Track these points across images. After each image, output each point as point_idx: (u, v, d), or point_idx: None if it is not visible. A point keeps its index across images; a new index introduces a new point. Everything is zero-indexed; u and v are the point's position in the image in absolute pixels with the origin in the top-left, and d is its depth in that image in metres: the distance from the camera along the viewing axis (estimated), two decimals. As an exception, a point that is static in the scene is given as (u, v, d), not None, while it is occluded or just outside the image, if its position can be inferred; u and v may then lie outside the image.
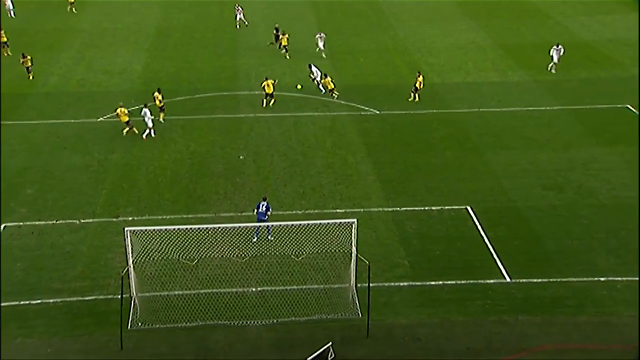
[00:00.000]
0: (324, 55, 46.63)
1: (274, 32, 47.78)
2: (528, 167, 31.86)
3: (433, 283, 23.87)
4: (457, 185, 30.45)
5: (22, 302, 22.37)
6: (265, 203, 25.57)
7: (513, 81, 42.92)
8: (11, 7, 51.71)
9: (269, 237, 25.14)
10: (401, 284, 23.81)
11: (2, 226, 26.42)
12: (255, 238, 25.16)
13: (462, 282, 23.93)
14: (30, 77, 41.01)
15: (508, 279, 24.07)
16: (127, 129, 34.18)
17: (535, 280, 23.95)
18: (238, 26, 51.90)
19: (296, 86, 39.34)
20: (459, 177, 31.09)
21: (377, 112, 38.48)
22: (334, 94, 39.36)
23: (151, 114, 34.39)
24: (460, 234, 26.74)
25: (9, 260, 24.47)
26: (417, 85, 39.21)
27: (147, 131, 34.23)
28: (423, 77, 39.64)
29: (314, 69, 40.96)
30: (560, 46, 44.16)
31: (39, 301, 22.46)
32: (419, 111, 38.61)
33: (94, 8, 56.18)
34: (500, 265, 24.79)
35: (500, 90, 41.49)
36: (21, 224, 26.74)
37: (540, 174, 31.21)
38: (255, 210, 25.62)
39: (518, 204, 28.89)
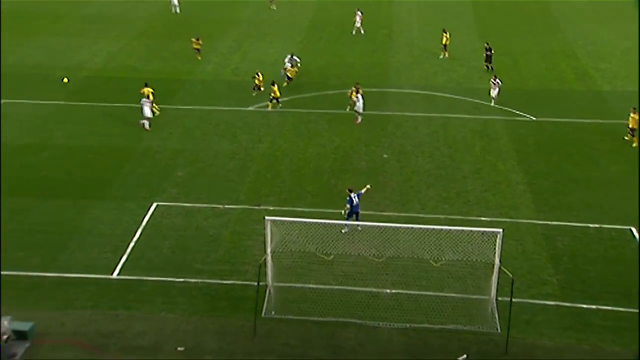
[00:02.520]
0: (357, 32, 49.39)
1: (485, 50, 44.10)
2: None
3: (585, 306, 22.61)
4: (621, 203, 28.58)
5: (167, 279, 24.00)
6: (355, 195, 26.02)
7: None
8: (176, 2, 55.11)
9: (358, 227, 25.46)
10: (547, 302, 22.78)
11: (155, 205, 28.48)
12: (347, 229, 25.56)
13: (621, 309, 22.45)
14: (199, 58, 44.67)
15: (676, 312, 22.20)
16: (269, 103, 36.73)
17: None
18: (354, 32, 50.35)
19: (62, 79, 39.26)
20: (624, 195, 29.16)
21: (534, 118, 37.04)
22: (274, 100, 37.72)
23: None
24: (621, 257, 25.11)
25: (159, 238, 26.36)
26: (632, 125, 33.34)
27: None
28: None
29: (289, 60, 41.46)
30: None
31: (182, 280, 23.97)
32: (582, 120, 36.68)
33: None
34: (667, 295, 22.96)
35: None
36: (171, 204, 28.63)
37: None
38: (349, 206, 25.98)
39: (692, 228, 26.62)
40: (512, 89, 41.00)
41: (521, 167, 31.82)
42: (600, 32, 50.59)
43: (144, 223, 27.18)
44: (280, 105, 37.51)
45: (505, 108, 38.17)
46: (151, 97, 36.31)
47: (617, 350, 20.67)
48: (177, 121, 36.67)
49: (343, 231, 25.27)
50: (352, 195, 26.06)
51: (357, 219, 25.92)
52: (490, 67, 43.31)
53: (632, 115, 33.42)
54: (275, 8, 54.65)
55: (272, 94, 37.52)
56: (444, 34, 45.95)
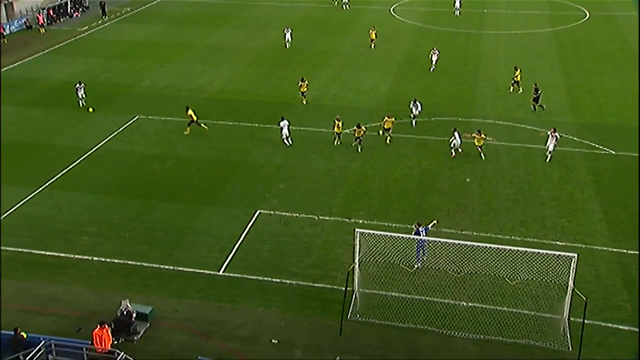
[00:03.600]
0: (432, 69, 48.21)
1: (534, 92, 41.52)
2: None
3: (656, 333, 21.34)
4: (697, 237, 26.81)
5: (265, 279, 24.61)
6: (423, 229, 24.36)
7: None
8: (289, 38, 56.02)
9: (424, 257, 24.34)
10: (620, 327, 21.71)
11: (258, 212, 29.26)
12: (419, 264, 24.30)
13: (692, 339, 21.03)
14: (304, 102, 42.27)
15: None
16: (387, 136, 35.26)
17: None
18: (433, 69, 48.84)
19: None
20: (700, 229, 27.35)
21: (613, 152, 35.37)
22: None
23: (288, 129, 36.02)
24: (694, 289, 23.52)
25: (259, 242, 27.05)
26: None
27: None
28: None
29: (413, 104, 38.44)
30: None
31: (278, 280, 24.50)
32: (661, 155, 34.72)
33: (354, 33, 59.46)
34: None
35: None
36: (272, 212, 29.33)
37: None
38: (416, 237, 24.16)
39: None
40: (593, 124, 39.41)
41: (598, 197, 30.48)
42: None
43: (247, 228, 27.96)
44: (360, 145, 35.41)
45: (585, 141, 36.68)
46: (194, 116, 37.83)
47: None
48: (281, 140, 37.54)
49: (416, 266, 24.38)
50: (420, 229, 24.51)
51: (424, 253, 24.61)
52: (536, 107, 40.71)
53: None
54: (373, 47, 54.88)
55: (357, 134, 35.35)
56: (515, 71, 44.61)
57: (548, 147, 33.96)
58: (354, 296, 22.74)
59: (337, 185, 31.87)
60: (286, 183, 32.18)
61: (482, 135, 34.38)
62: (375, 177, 32.92)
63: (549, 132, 34.57)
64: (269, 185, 31.91)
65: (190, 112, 38.03)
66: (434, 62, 49.23)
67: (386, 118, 36.50)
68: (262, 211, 29.38)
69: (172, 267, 25.31)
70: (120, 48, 55.78)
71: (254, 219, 28.65)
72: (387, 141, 35.51)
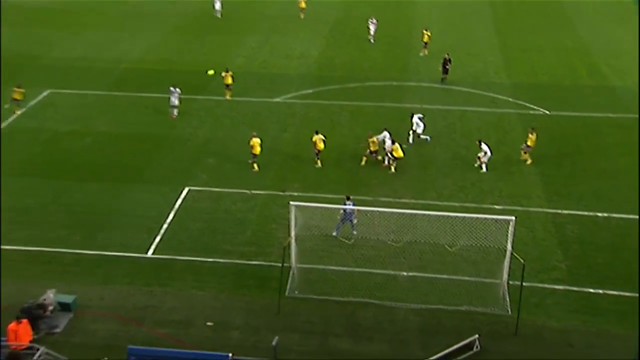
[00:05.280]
0: (372, 41, 46.51)
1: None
2: None
3: (592, 290, 22.45)
4: (629, 193, 28.22)
5: (197, 259, 24.23)
6: (351, 203, 24.50)
7: None
8: (219, 7, 53.97)
9: (354, 232, 24.61)
10: (556, 287, 22.65)
11: (186, 189, 28.69)
12: (335, 232, 24.60)
13: (627, 294, 22.26)
14: (228, 97, 37.99)
15: (682, 299, 21.89)
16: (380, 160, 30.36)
17: None
18: (372, 40, 47.63)
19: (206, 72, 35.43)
20: (632, 186, 28.76)
21: (547, 112, 36.57)
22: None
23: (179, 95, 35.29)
24: (628, 244, 24.83)
25: (190, 220, 26.57)
26: (529, 143, 30.73)
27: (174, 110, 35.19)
28: (536, 135, 30.86)
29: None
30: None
31: (211, 260, 24.17)
32: (594, 114, 36.16)
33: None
34: (671, 282, 22.64)
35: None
36: (202, 188, 28.83)
37: None
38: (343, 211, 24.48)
39: (697, 220, 26.19)
40: (527, 83, 40.54)
41: (533, 157, 31.44)
42: (612, 29, 49.67)
43: (176, 206, 27.42)
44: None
45: (520, 102, 37.73)
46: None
47: (622, 333, 20.49)
48: (208, 111, 36.81)
49: (333, 234, 24.60)
50: (348, 202, 24.55)
51: (352, 227, 24.76)
52: (445, 80, 39.83)
53: (530, 135, 30.93)
54: (302, 17, 53.64)
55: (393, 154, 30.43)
56: (425, 32, 44.97)
57: (482, 161, 30.42)
58: (291, 272, 22.74)
59: (269, 156, 31.53)
60: (215, 157, 31.68)
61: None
62: (309, 146, 32.78)
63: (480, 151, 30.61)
64: (197, 160, 31.33)
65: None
66: (372, 33, 47.88)
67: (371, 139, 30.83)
68: (191, 188, 28.84)
69: (95, 252, 24.54)
70: (24, 14, 52.87)
71: (182, 196, 28.11)
72: (393, 169, 30.33)
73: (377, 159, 30.87)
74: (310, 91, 39.14)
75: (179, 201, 27.77)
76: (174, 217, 26.64)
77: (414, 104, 37.31)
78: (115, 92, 39.13)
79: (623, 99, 38.00)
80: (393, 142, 30.35)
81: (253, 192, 28.58)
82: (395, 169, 30.21)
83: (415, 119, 33.05)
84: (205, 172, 30.29)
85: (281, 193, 28.39)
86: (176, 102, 35.59)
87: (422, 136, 32.84)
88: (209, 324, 21.00)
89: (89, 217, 26.70)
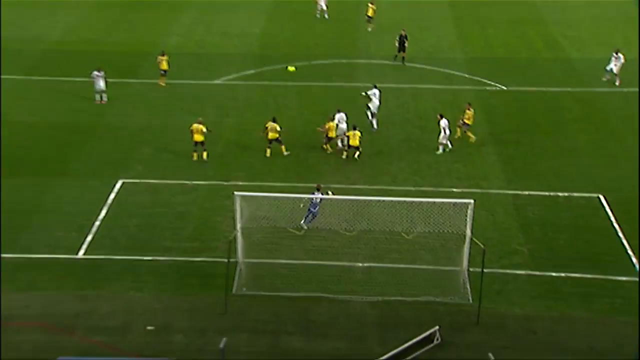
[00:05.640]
0: (326, 17, 46.22)
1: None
2: (675, 156, 29.90)
3: (554, 274, 23.10)
4: (589, 171, 29.14)
5: (135, 257, 23.80)
6: (319, 194, 24.46)
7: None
8: None
9: (305, 225, 24.60)
10: (518, 272, 23.22)
11: (120, 182, 28.14)
12: (305, 226, 24.64)
13: (589, 276, 23.00)
14: (163, 83, 37.08)
15: (643, 278, 22.79)
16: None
17: (675, 281, 22.52)
18: (318, 15, 47.34)
19: (286, 67, 31.65)
20: (593, 163, 29.74)
21: (504, 87, 37.33)
22: None
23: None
24: (590, 225, 25.67)
25: (125, 216, 26.09)
26: (466, 120, 31.20)
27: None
28: (473, 111, 31.51)
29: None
30: (619, 54, 36.77)
31: (150, 258, 23.80)
32: (552, 89, 37.10)
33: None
34: (635, 261, 23.56)
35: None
36: (137, 181, 28.36)
37: (689, 164, 29.20)
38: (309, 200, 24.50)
39: (659, 196, 27.28)
40: (482, 58, 41.27)
41: (492, 137, 32.12)
42: (569, -1, 51.08)
43: (109, 201, 26.89)
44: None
45: (476, 78, 38.36)
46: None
47: (585, 317, 21.20)
48: (142, 96, 36.15)
49: (305, 228, 24.63)
50: (317, 193, 24.44)
51: (306, 220, 24.66)
52: (401, 57, 39.59)
53: (467, 110, 31.37)
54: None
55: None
56: (370, 5, 45.00)
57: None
58: (238, 268, 22.63)
59: (211, 144, 31.01)
60: (152, 146, 31.16)
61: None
62: (254, 131, 32.59)
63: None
64: (132, 150, 30.76)
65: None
66: (324, 7, 46.99)
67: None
68: (125, 180, 28.30)
69: (18, 255, 23.80)
70: None
71: (116, 190, 27.56)
72: (355, 156, 30.13)
73: (327, 146, 30.52)
74: (253, 72, 38.87)
75: (112, 195, 27.24)
76: (107, 213, 26.12)
77: (365, 83, 37.41)
78: (32, 77, 37.90)
79: (581, 71, 39.10)
80: (355, 128, 30.05)
81: (194, 182, 28.25)
82: (348, 156, 30.08)
83: (372, 92, 32.63)
84: (140, 162, 29.79)
85: (225, 183, 28.15)
86: (103, 86, 34.72)
87: (372, 121, 32.33)
88: (149, 328, 20.69)
89: (9, 216, 25.75)
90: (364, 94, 33.04)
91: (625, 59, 37.21)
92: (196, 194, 27.52)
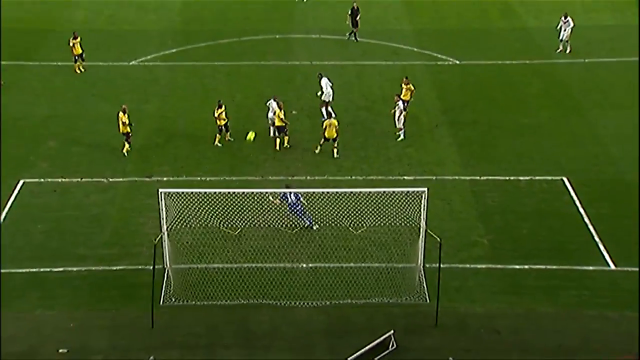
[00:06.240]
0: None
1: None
2: (642, 132, 31.05)
3: (517, 267, 23.70)
4: (552, 151, 29.96)
5: (42, 270, 23.33)
6: (292, 191, 24.60)
7: (633, 24, 41.36)
8: None
9: (314, 226, 24.88)
10: (478, 266, 23.73)
11: (21, 182, 27.53)
12: (312, 224, 24.83)
13: (554, 267, 23.65)
14: (78, 70, 36.60)
15: (612, 266, 23.61)
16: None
17: (645, 269, 23.46)
18: None
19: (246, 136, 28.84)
20: (555, 142, 30.59)
21: (457, 62, 37.99)
22: None
23: None
24: (554, 210, 26.38)
25: (28, 221, 25.54)
26: (403, 96, 31.20)
27: None
28: (413, 86, 31.92)
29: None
30: (568, 18, 37.88)
31: (61, 269, 23.39)
32: (508, 61, 37.98)
33: None
34: (603, 249, 24.36)
35: (615, 35, 40.39)
36: (42, 180, 27.81)
37: (657, 141, 30.38)
38: (284, 202, 24.49)
39: (627, 176, 28.24)
40: (432, 29, 41.87)
41: (446, 117, 32.66)
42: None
43: (9, 205, 26.35)
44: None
45: (425, 52, 38.90)
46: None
47: (551, 312, 21.82)
48: (45, 81, 35.51)
49: (315, 227, 24.75)
50: (289, 192, 24.56)
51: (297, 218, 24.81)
52: (351, 34, 39.94)
53: (404, 86, 31.66)
54: None
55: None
56: None
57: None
58: (165, 276, 22.48)
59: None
60: (58, 139, 30.68)
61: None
62: (179, 119, 32.38)
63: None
64: (35, 145, 30.22)
65: None
66: None
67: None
68: (27, 180, 27.77)
69: None
70: None
71: (16, 192, 27.05)
72: (335, 154, 29.75)
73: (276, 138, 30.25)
74: (175, 50, 38.47)
75: (12, 198, 26.72)
76: (6, 219, 25.60)
77: (302, 61, 37.55)
78: None
79: (540, 42, 40.10)
80: (331, 115, 30.10)
81: (111, 179, 27.91)
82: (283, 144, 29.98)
83: (325, 82, 32.64)
84: (45, 159, 29.30)
85: (147, 179, 27.90)
86: None
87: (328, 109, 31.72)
88: (62, 351, 20.33)
89: None
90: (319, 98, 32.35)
91: (575, 24, 38.26)
92: (113, 193, 27.18)
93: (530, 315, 21.72)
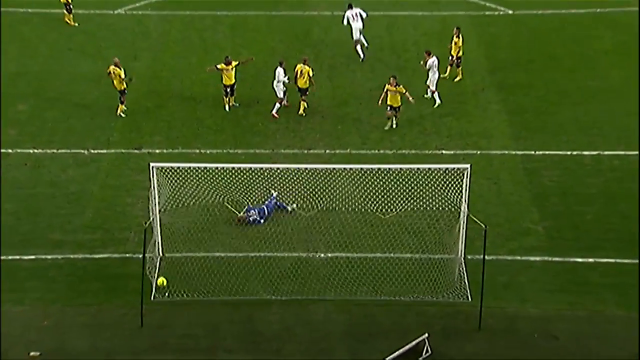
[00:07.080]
0: None
1: None
2: None
3: (580, 260, 23.61)
4: (625, 120, 29.77)
5: (10, 257, 23.55)
6: (274, 200, 24.94)
7: None
8: None
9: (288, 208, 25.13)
10: (532, 258, 23.68)
11: (-14, 153, 27.94)
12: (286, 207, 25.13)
13: (625, 260, 23.51)
14: (70, 22, 37.17)
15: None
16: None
17: None
18: None
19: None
20: (630, 110, 30.32)
21: (510, 11, 37.74)
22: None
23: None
24: (626, 193, 26.22)
25: (-6, 200, 25.89)
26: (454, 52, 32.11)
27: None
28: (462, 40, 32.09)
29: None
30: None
31: (33, 257, 23.66)
32: (573, 10, 37.60)
33: None
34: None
35: None
36: (10, 151, 28.08)
37: None
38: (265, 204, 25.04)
39: None
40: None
41: (493, 79, 32.55)
42: None
43: (-29, 181, 26.63)
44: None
45: None
46: None
47: (621, 315, 21.74)
48: (13, 32, 35.85)
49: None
50: (272, 197, 25.08)
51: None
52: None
53: (455, 39, 32.15)
54: None
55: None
56: None
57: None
58: (158, 265, 22.66)
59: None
60: (29, 102, 31.01)
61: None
62: (174, 80, 32.54)
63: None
64: (1, 108, 30.31)
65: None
66: None
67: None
68: (-8, 152, 28.09)
69: None
70: None
71: (-20, 166, 27.37)
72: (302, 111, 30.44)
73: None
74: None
75: (-24, 173, 27.01)
76: (-32, 198, 25.93)
77: (321, 12, 37.46)
78: None
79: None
80: (304, 62, 30.11)
81: (93, 151, 28.15)
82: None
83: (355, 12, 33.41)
84: (14, 125, 29.60)
85: (136, 151, 28.12)
86: None
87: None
88: (33, 354, 20.57)
89: None
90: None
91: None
92: (96, 167, 27.42)
93: (595, 318, 21.66)
